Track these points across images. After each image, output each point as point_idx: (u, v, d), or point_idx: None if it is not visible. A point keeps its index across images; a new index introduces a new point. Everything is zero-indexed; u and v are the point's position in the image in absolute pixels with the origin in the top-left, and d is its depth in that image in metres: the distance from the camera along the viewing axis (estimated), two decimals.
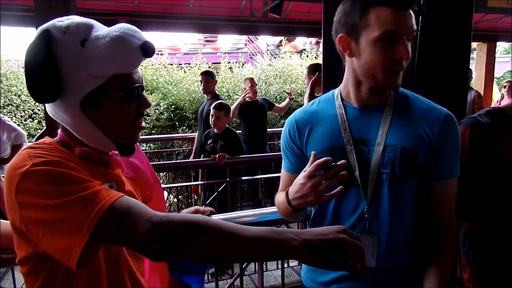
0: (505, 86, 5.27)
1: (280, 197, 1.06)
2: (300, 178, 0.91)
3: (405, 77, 1.45)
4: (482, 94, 7.17)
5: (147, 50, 0.76)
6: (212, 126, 3.38)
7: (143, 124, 0.86)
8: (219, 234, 0.67)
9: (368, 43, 0.89)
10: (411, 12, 0.88)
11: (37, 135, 3.53)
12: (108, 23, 0.80)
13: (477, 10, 1.58)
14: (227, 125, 3.44)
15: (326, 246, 0.66)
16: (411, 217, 1.04)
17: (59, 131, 0.84)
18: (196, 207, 1.03)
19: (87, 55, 0.73)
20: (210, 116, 3.33)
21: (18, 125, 6.75)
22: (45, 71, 0.72)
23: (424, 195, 1.03)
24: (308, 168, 0.89)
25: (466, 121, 1.42)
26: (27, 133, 6.84)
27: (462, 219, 1.49)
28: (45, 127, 3.51)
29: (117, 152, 0.87)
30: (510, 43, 16.76)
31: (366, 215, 1.00)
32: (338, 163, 0.86)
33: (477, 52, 7.80)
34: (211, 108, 3.36)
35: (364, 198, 1.00)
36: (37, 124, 6.88)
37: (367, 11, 0.88)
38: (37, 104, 6.93)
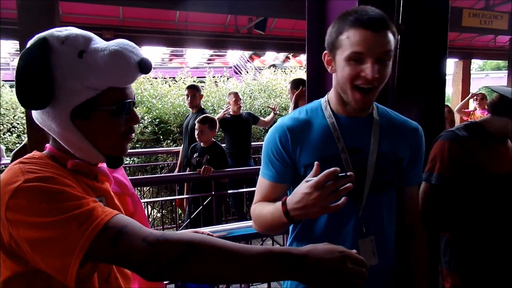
0: (476, 99, 5.45)
1: (268, 208, 1.02)
2: (304, 188, 0.86)
3: (385, 92, 1.51)
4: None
5: (144, 67, 0.77)
6: (197, 140, 3.39)
7: (132, 136, 0.85)
8: (217, 253, 0.66)
9: (341, 61, 0.94)
10: (385, 33, 0.91)
11: (16, 149, 3.43)
12: None
13: (452, 29, 1.67)
14: (213, 139, 3.45)
15: (329, 266, 0.68)
16: (394, 218, 1.12)
17: (48, 144, 0.82)
18: (196, 229, 1.03)
19: (84, 67, 0.74)
20: (196, 130, 3.34)
21: None
22: (38, 77, 0.71)
23: (399, 197, 1.13)
24: (314, 178, 0.84)
25: (445, 135, 1.47)
26: (5, 147, 6.66)
27: (443, 229, 1.54)
28: (24, 141, 3.43)
29: (104, 164, 0.87)
30: (484, 61, 17.51)
31: (361, 221, 1.02)
32: (348, 173, 0.84)
33: (454, 68, 8.11)
34: (196, 122, 3.37)
35: (359, 205, 1.03)
36: (16, 138, 6.71)
37: (341, 32, 0.93)
38: (16, 117, 6.76)
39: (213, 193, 3.37)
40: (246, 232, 1.49)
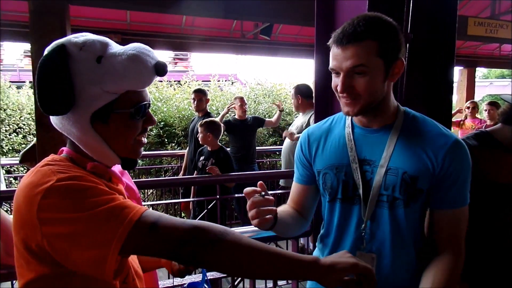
0: (468, 107, 5.37)
1: None
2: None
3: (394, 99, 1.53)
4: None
5: (160, 70, 0.78)
6: (201, 143, 3.41)
7: (145, 140, 0.88)
8: (247, 242, 0.71)
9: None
10: (352, 48, 0.89)
11: (24, 150, 3.46)
12: None
13: (458, 37, 1.68)
14: (219, 144, 3.47)
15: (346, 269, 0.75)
16: (414, 240, 1.03)
17: (65, 148, 0.84)
18: None
19: (103, 72, 0.75)
20: (200, 134, 3.36)
21: (2, 139, 6.63)
22: (59, 84, 0.73)
23: (430, 221, 1.04)
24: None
25: None
26: (11, 148, 6.71)
27: None
28: (32, 142, 3.46)
29: (115, 167, 0.89)
30: (488, 69, 17.49)
31: (363, 233, 1.02)
32: (263, 193, 0.92)
33: (459, 76, 8.12)
34: (198, 125, 3.39)
35: (363, 217, 1.02)
36: (22, 138, 6.76)
37: (330, 48, 0.97)
38: (22, 118, 6.82)
39: (217, 196, 3.39)
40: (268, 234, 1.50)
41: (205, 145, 3.47)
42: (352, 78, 0.92)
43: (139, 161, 5.73)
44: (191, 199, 3.54)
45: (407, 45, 1.47)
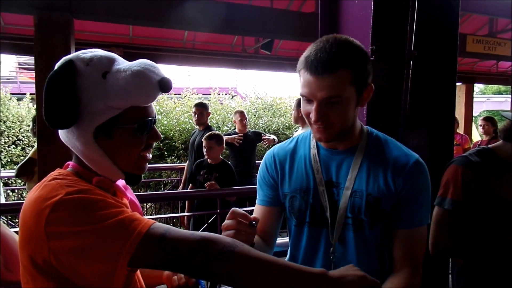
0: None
1: None
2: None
3: (397, 117, 1.54)
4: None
5: (165, 86, 0.79)
6: (206, 156, 3.39)
7: (149, 156, 0.87)
8: (256, 254, 0.71)
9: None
10: (329, 77, 0.86)
11: (21, 164, 3.44)
12: None
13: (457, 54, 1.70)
14: (221, 157, 3.45)
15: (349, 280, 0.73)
16: (380, 260, 1.03)
17: (70, 162, 0.85)
18: None
19: (107, 87, 0.76)
20: (203, 147, 3.35)
21: (1, 151, 6.60)
22: (64, 98, 0.74)
23: (390, 240, 1.02)
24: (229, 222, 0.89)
25: (458, 160, 1.49)
26: (9, 160, 6.68)
27: (455, 256, 1.52)
28: (28, 155, 3.46)
29: (119, 182, 0.89)
30: (485, 85, 17.69)
31: (332, 257, 1.00)
32: (253, 222, 0.89)
33: (457, 92, 8.19)
34: (203, 139, 3.39)
35: (331, 240, 1.01)
36: (21, 150, 6.74)
37: (299, 72, 0.93)
38: (22, 130, 6.81)
39: (218, 211, 3.36)
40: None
41: (205, 158, 3.46)
42: (326, 107, 0.89)
43: None
44: (191, 213, 3.50)
45: (411, 62, 1.49)
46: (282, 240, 1.42)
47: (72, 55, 0.79)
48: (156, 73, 0.79)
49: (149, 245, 0.67)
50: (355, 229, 0.99)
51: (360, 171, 0.99)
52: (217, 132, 3.55)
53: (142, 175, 0.89)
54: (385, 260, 1.04)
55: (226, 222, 0.87)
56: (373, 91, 0.95)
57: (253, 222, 0.88)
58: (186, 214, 3.47)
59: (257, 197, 1.14)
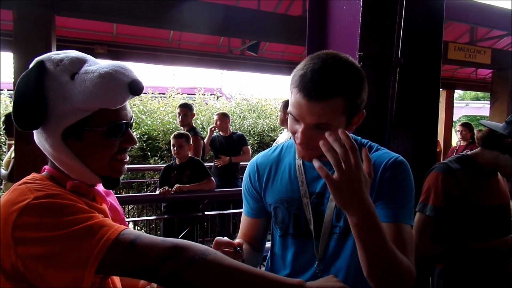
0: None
1: None
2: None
3: (384, 120, 1.55)
4: (442, 136, 7.65)
5: (135, 89, 0.76)
6: (175, 156, 3.33)
7: (126, 158, 0.84)
8: (229, 263, 0.69)
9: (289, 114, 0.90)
10: (321, 104, 0.81)
11: (9, 171, 3.26)
12: (86, 51, 0.82)
13: None
14: (189, 154, 3.39)
15: None
16: None
17: (46, 166, 0.83)
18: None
19: (74, 88, 0.74)
20: (172, 147, 3.27)
21: None
22: (31, 99, 0.73)
23: None
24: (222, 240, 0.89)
25: (439, 167, 1.51)
26: None
27: (436, 260, 1.55)
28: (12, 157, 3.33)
29: (99, 186, 0.87)
30: (464, 91, 18.22)
31: (317, 271, 0.98)
32: (238, 249, 0.88)
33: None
34: (171, 138, 3.33)
35: (316, 254, 0.98)
36: None
37: (291, 89, 0.88)
38: None
39: (200, 214, 3.33)
40: None
41: (171, 162, 3.41)
42: (313, 131, 0.85)
43: None
44: (173, 215, 3.45)
45: (397, 69, 1.50)
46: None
47: (44, 55, 0.78)
48: (126, 75, 0.76)
49: (118, 252, 0.65)
50: (343, 238, 0.96)
51: None
52: (184, 131, 3.52)
53: (120, 178, 0.86)
54: None
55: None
56: (364, 116, 0.91)
57: (238, 248, 0.87)
58: (167, 216, 3.41)
59: (243, 207, 1.12)
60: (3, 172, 3.49)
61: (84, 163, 0.78)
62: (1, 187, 4.20)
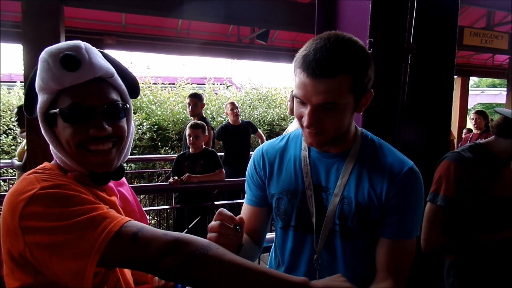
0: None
1: None
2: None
3: (394, 109, 1.51)
4: (456, 124, 7.49)
5: (66, 63, 0.72)
6: (190, 146, 3.35)
7: (104, 148, 0.77)
8: (231, 258, 0.67)
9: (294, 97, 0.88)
10: (327, 82, 0.79)
11: (25, 159, 3.28)
12: (95, 42, 0.81)
13: None
14: (203, 145, 3.42)
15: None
16: (368, 269, 0.97)
17: None
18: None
19: (40, 73, 0.76)
20: (188, 136, 3.28)
21: None
22: (27, 88, 0.78)
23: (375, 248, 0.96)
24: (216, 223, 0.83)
25: (451, 156, 1.47)
26: (0, 149, 6.58)
27: (447, 252, 1.52)
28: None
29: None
30: (480, 78, 17.76)
31: (315, 265, 0.96)
32: (238, 228, 0.82)
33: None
34: (187, 128, 3.35)
35: (315, 248, 0.96)
36: (12, 140, 6.64)
37: (295, 71, 0.85)
38: (12, 119, 6.71)
39: (209, 203, 3.34)
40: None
41: (186, 150, 3.42)
42: (320, 112, 0.82)
43: (132, 164, 5.67)
44: (184, 205, 3.47)
45: (410, 56, 1.45)
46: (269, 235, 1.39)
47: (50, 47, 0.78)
48: (59, 51, 0.73)
49: (119, 244, 0.65)
50: (343, 236, 0.94)
51: (350, 178, 0.93)
52: (201, 122, 3.52)
53: (110, 173, 0.82)
54: (374, 269, 0.97)
55: (212, 223, 0.82)
56: (372, 97, 0.89)
57: (238, 227, 0.83)
58: (177, 206, 3.44)
59: (245, 196, 1.09)
60: (17, 163, 3.57)
61: (65, 150, 0.77)
62: (15, 177, 4.30)
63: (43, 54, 0.75)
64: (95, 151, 0.76)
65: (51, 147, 0.80)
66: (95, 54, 0.78)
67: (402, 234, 0.92)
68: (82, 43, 0.76)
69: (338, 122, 0.86)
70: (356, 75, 0.81)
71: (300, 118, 0.87)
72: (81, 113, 0.74)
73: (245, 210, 1.09)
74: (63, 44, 0.76)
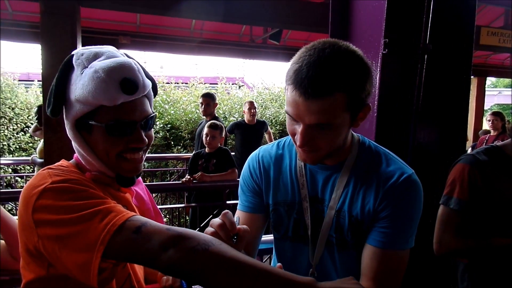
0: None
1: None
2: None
3: (409, 110, 1.50)
4: (472, 126, 7.35)
5: (125, 87, 0.75)
6: (206, 145, 3.38)
7: (137, 157, 0.82)
8: (233, 255, 0.66)
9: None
10: (320, 102, 0.73)
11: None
12: (110, 42, 0.83)
13: None
14: (219, 144, 3.45)
15: None
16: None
17: (75, 154, 0.86)
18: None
19: (79, 82, 0.77)
20: (205, 135, 3.33)
21: (10, 138, 6.67)
22: (54, 89, 0.79)
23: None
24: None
25: (465, 158, 1.45)
26: (18, 146, 6.74)
27: (461, 255, 1.50)
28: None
29: None
30: (497, 78, 17.37)
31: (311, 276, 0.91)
32: (234, 240, 0.76)
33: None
34: (205, 127, 3.38)
35: (311, 261, 0.95)
36: (29, 138, 6.80)
37: (286, 86, 0.80)
38: (30, 117, 6.86)
39: (221, 202, 3.36)
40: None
41: (202, 149, 3.46)
42: (315, 131, 0.78)
43: (145, 163, 5.72)
44: (195, 204, 3.50)
45: (425, 56, 1.43)
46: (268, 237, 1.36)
47: (78, 49, 0.82)
48: (118, 73, 0.75)
49: (123, 237, 0.66)
50: (339, 249, 0.92)
51: (345, 191, 0.90)
52: (219, 123, 3.54)
53: (135, 178, 0.87)
54: None
55: (214, 220, 0.78)
56: (370, 110, 0.84)
57: (234, 237, 0.77)
58: (191, 204, 3.47)
59: (239, 202, 1.03)
60: (38, 160, 3.67)
61: (96, 156, 0.81)
62: (34, 174, 4.40)
63: (99, 71, 0.74)
64: (131, 159, 0.82)
65: (76, 149, 0.82)
66: (143, 72, 0.82)
67: (391, 245, 0.86)
68: (133, 63, 0.79)
69: (332, 141, 0.82)
70: (352, 93, 0.75)
71: (293, 136, 0.83)
72: (125, 127, 0.79)
73: (240, 216, 1.02)
74: (116, 62, 0.76)
